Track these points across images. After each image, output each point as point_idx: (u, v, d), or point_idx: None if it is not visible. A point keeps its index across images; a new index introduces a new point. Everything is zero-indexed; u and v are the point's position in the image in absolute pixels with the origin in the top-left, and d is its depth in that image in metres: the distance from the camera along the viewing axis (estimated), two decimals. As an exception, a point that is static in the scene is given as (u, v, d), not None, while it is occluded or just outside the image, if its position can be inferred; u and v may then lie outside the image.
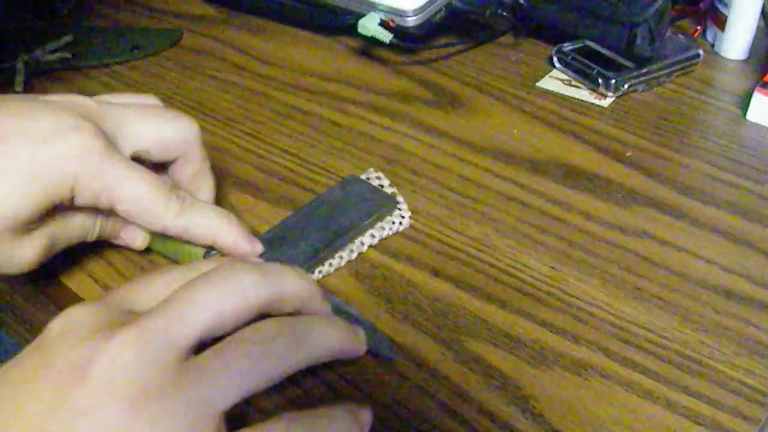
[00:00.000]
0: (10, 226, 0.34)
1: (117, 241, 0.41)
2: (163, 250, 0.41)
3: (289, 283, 0.33)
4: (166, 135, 0.40)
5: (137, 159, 0.38)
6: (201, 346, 0.29)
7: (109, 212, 0.38)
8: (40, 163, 0.34)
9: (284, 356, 0.30)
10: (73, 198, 0.35)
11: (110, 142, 0.36)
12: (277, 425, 0.29)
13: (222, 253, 0.39)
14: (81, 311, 0.30)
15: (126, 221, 0.39)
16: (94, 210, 0.38)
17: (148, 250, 0.42)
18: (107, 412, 0.26)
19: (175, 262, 0.41)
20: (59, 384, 0.27)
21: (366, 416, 0.32)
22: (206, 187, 0.42)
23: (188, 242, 0.39)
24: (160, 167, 0.41)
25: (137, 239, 0.41)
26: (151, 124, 0.39)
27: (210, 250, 0.39)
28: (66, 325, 0.29)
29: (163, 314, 0.29)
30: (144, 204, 0.36)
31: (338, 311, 0.36)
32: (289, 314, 0.33)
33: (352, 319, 0.36)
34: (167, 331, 0.28)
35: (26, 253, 0.35)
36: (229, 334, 0.30)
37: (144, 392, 0.27)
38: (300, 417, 0.30)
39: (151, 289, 0.33)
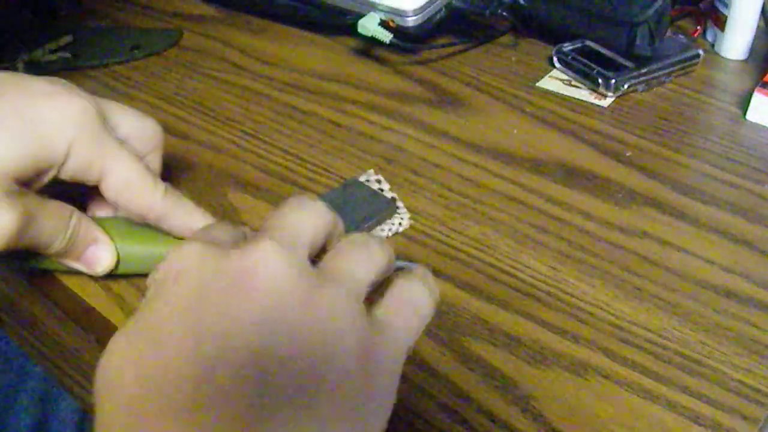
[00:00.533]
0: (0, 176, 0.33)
1: (76, 264, 0.39)
2: (136, 261, 0.39)
3: (336, 215, 0.34)
4: (144, 130, 0.40)
5: None
6: None
7: (79, 228, 0.37)
8: (41, 116, 0.34)
9: (381, 250, 0.31)
10: (64, 162, 0.35)
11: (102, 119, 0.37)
12: (401, 290, 0.30)
13: None
14: (191, 245, 0.29)
15: (94, 240, 0.38)
16: (69, 214, 0.37)
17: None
18: (283, 313, 0.26)
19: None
20: (231, 298, 0.26)
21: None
22: None
23: (166, 243, 0.38)
24: None
25: (102, 261, 0.38)
26: (132, 116, 0.40)
27: None
28: (189, 258, 0.28)
29: (280, 231, 0.29)
30: (135, 180, 0.37)
31: None
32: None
33: None
34: (292, 241, 0.29)
35: (2, 218, 0.34)
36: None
37: (305, 290, 0.27)
38: (408, 278, 0.31)
39: (221, 234, 0.32)
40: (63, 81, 0.38)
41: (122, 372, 0.26)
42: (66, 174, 0.36)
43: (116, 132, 0.39)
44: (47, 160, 0.35)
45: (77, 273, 0.39)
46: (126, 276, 0.40)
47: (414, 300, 0.31)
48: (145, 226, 0.39)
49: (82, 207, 0.40)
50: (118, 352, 0.27)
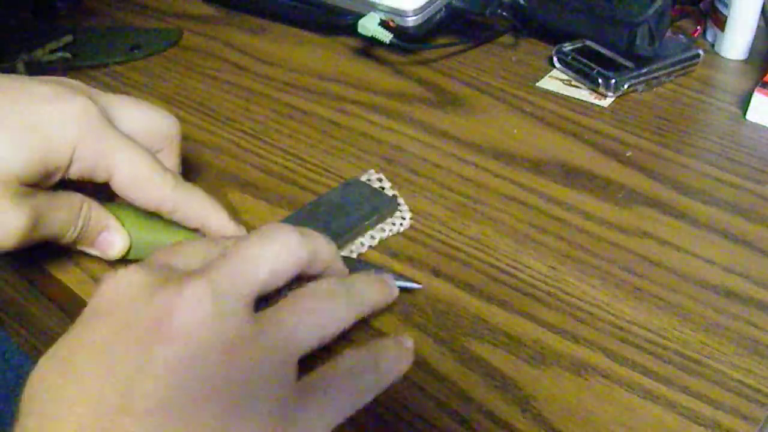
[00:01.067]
0: (3, 179, 0.33)
1: (90, 249, 0.39)
2: (148, 246, 0.39)
3: (321, 244, 0.34)
4: (155, 124, 0.40)
5: None
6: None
7: (90, 217, 0.37)
8: (43, 120, 0.34)
9: (342, 310, 0.31)
10: (69, 164, 0.35)
11: (106, 116, 0.37)
12: (343, 362, 0.30)
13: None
14: (133, 273, 0.29)
15: (106, 226, 0.38)
16: (79, 204, 0.37)
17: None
18: (196, 365, 0.26)
19: None
20: (144, 343, 0.27)
21: (409, 343, 0.34)
22: None
23: (178, 230, 0.39)
24: None
25: (115, 245, 0.39)
26: (141, 110, 0.40)
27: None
28: (123, 288, 0.28)
29: (226, 268, 0.29)
30: (143, 174, 0.37)
31: (355, 269, 0.38)
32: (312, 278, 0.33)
33: (370, 270, 0.38)
34: (234, 283, 0.29)
35: (11, 221, 0.34)
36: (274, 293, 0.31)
37: (226, 343, 0.27)
38: (360, 352, 0.31)
39: (191, 254, 0.32)
40: (64, 80, 0.38)
41: (42, 394, 0.27)
42: (74, 175, 0.36)
43: (123, 127, 0.38)
44: (52, 165, 0.35)
45: (77, 273, 0.39)
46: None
47: (357, 376, 0.30)
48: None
49: (110, 194, 0.40)
50: (38, 376, 0.27)
